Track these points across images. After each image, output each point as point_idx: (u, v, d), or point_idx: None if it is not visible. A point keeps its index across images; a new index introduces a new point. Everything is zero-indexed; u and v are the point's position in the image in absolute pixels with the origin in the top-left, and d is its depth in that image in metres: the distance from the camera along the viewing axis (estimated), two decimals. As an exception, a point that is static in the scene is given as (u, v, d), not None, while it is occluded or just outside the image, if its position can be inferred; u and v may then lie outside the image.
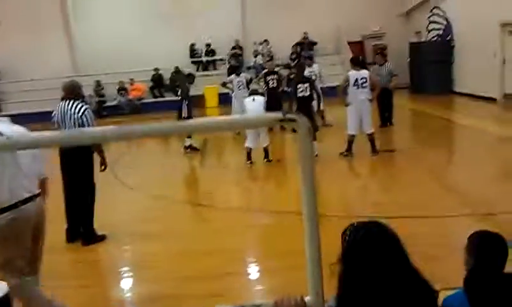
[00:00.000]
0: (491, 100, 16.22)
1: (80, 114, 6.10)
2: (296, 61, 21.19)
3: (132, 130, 1.30)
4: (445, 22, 19.87)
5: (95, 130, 1.32)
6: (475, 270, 2.41)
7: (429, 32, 21.18)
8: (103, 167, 6.41)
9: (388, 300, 1.78)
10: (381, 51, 14.86)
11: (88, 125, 6.10)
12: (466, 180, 8.28)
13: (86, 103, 6.60)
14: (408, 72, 21.34)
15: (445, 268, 4.98)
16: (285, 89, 15.62)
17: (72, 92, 6.34)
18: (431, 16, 20.91)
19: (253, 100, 10.21)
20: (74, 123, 6.09)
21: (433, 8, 20.61)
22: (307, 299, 1.61)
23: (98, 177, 6.59)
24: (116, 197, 8.59)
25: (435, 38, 20.66)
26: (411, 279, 1.83)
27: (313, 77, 12.79)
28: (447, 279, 4.59)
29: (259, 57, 22.43)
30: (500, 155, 10.31)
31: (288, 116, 1.32)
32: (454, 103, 17.70)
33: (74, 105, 6.16)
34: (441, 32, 20.21)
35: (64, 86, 6.47)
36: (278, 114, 1.33)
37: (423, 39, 21.48)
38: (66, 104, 6.19)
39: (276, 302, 1.72)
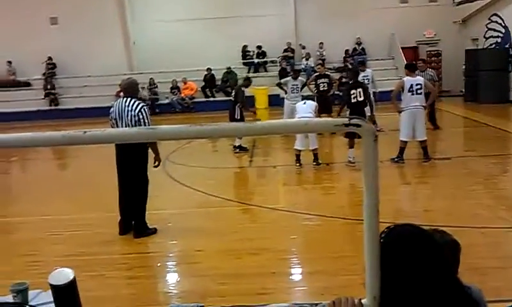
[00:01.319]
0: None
1: (137, 111, 6.30)
2: (347, 66, 21.12)
3: (201, 130, 1.37)
4: (503, 30, 19.28)
5: (154, 129, 1.38)
6: None
7: (486, 39, 20.60)
8: (156, 163, 6.60)
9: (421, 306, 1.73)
10: (423, 59, 14.83)
11: (145, 122, 6.30)
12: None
13: (143, 101, 6.80)
14: (462, 80, 20.82)
15: (497, 281, 4.90)
16: (336, 92, 15.63)
17: (130, 90, 6.55)
18: (489, 23, 20.33)
19: (304, 103, 10.26)
20: (131, 120, 6.29)
21: (492, 15, 20.03)
22: (364, 301, 1.61)
23: (151, 172, 6.79)
24: (167, 193, 8.80)
25: (493, 46, 20.08)
26: (449, 287, 1.75)
27: (366, 82, 12.69)
28: (499, 291, 4.53)
29: (310, 59, 22.40)
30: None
31: (354, 121, 1.35)
32: (510, 113, 17.14)
33: (131, 103, 6.37)
34: (499, 39, 19.62)
35: (123, 84, 6.68)
36: (343, 119, 1.37)
37: (480, 47, 20.91)
38: (124, 101, 6.41)
39: (333, 303, 1.72)
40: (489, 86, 18.50)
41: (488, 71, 18.61)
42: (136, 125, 6.22)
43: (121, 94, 6.75)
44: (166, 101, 22.40)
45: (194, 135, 1.41)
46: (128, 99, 6.42)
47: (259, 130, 1.42)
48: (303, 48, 23.07)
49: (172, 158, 11.44)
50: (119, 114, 6.39)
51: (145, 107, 6.44)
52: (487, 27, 20.47)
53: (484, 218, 6.81)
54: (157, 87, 22.63)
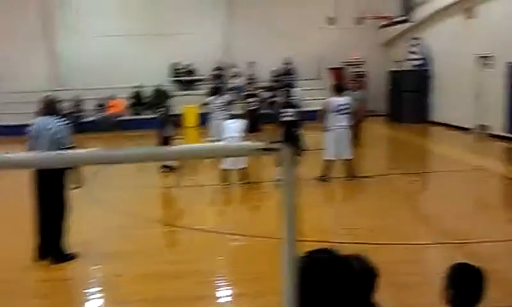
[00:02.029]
0: (465, 130, 16.51)
1: (56, 129, 6.00)
2: (276, 85, 21.41)
3: (110, 155, 1.26)
4: (423, 53, 20.24)
5: (73, 154, 1.26)
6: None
7: (407, 62, 21.54)
8: (77, 186, 6.30)
9: None
10: (355, 78, 15.24)
11: (64, 142, 6.01)
12: (441, 208, 8.35)
13: (64, 119, 6.50)
14: (386, 100, 21.63)
15: (418, 296, 5.00)
16: (265, 111, 15.77)
17: (50, 107, 6.25)
18: (410, 46, 21.29)
19: (233, 122, 10.21)
20: (50, 138, 5.99)
21: (412, 39, 21.00)
22: None
23: (72, 193, 6.47)
24: (89, 216, 8.43)
25: (414, 68, 21.02)
26: None
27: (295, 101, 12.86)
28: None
29: (241, 78, 22.52)
30: (473, 184, 10.47)
31: (272, 145, 1.29)
32: (430, 132, 17.95)
33: (51, 121, 6.06)
34: (419, 62, 20.57)
35: (43, 101, 6.37)
36: (260, 143, 1.30)
37: (402, 69, 21.83)
38: (44, 119, 6.10)
39: None
40: (411, 106, 19.32)
41: (410, 93, 19.46)
42: (55, 144, 5.94)
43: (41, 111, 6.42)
44: (92, 118, 21.72)
45: (106, 160, 1.29)
46: (48, 117, 6.11)
47: (175, 155, 1.33)
48: (234, 67, 23.17)
49: (94, 178, 11.01)
50: (38, 131, 6.07)
51: (65, 126, 6.15)
52: (408, 51, 21.42)
53: (406, 234, 6.99)
54: (82, 104, 21.91)
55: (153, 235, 7.46)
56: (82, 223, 7.85)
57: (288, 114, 9.98)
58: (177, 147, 1.29)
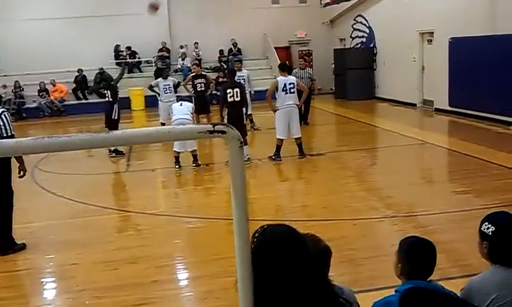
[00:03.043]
0: (411, 105, 16.96)
1: (-3, 119, 5.77)
2: (222, 66, 21.32)
3: (51, 143, 1.21)
4: (368, 30, 20.56)
5: (11, 142, 1.22)
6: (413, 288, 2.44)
7: (352, 39, 21.84)
8: (22, 173, 6.09)
9: None
10: (303, 56, 15.34)
11: (6, 129, 5.79)
12: (389, 183, 8.58)
13: (4, 105, 6.24)
14: (332, 78, 21.90)
15: (371, 270, 5.14)
16: (213, 92, 15.66)
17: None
18: (354, 24, 21.58)
19: (181, 104, 10.11)
20: (-10, 127, 5.76)
21: (357, 16, 21.28)
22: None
23: (17, 182, 6.26)
24: (37, 204, 8.21)
25: (358, 45, 21.34)
26: (319, 289, 1.77)
27: (242, 82, 12.82)
28: (374, 280, 4.76)
29: (186, 59, 22.27)
30: (419, 159, 10.82)
31: (218, 127, 1.28)
32: (376, 108, 18.34)
33: (-13, 110, 5.82)
34: (364, 39, 20.90)
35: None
36: (207, 126, 1.29)
37: (347, 47, 22.11)
38: (-18, 108, 5.85)
39: None
40: (357, 83, 19.63)
41: (355, 70, 19.75)
42: (-4, 133, 5.72)
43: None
44: (34, 105, 20.99)
45: (50, 148, 1.25)
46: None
47: (120, 140, 1.31)
48: (182, 47, 22.85)
49: (41, 165, 10.71)
50: (-24, 120, 5.82)
51: (6, 113, 5.92)
52: (353, 28, 21.72)
53: (357, 210, 7.15)
54: (23, 90, 21.13)
55: (106, 222, 7.33)
56: (31, 212, 7.67)
57: (235, 95, 9.89)
58: (123, 132, 1.26)
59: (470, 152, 9.98)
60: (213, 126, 1.27)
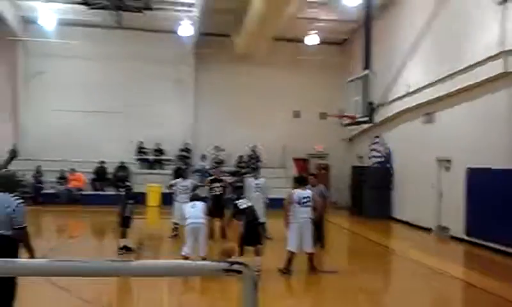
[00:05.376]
0: (426, 229, 16.74)
1: (12, 208, 5.80)
2: (240, 171, 21.55)
3: (63, 267, 1.20)
4: (385, 151, 20.82)
5: (21, 264, 1.21)
6: None
7: (370, 158, 22.09)
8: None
9: None
10: (314, 174, 14.98)
11: (17, 221, 5.81)
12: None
13: (22, 198, 6.25)
14: (348, 194, 21.93)
15: None
16: (230, 196, 15.72)
17: (7, 185, 6.06)
18: (372, 144, 21.92)
19: (193, 206, 10.12)
20: (6, 217, 5.78)
21: (375, 137, 21.66)
22: None
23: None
24: (42, 298, 8.02)
25: (376, 164, 21.53)
26: None
27: (258, 190, 12.94)
28: None
29: (206, 161, 22.62)
30: (434, 289, 10.47)
31: (235, 267, 1.26)
32: (392, 229, 18.14)
33: (9, 199, 5.86)
34: (381, 159, 21.11)
35: (2, 176, 6.18)
36: (223, 264, 1.28)
37: (365, 164, 22.32)
38: (2, 196, 5.90)
39: None
40: (373, 202, 19.62)
41: (372, 189, 19.81)
42: (9, 222, 5.74)
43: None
44: (52, 190, 21.27)
45: (55, 272, 1.23)
46: (6, 194, 5.91)
47: (131, 271, 1.29)
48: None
49: (51, 255, 10.61)
50: (-6, 205, 5.85)
51: (21, 204, 5.93)
52: (370, 148, 22.03)
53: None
54: (42, 175, 21.52)
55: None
56: (32, 305, 7.47)
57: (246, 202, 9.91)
58: (142, 262, 1.25)
59: (487, 287, 9.66)
60: (230, 265, 1.26)
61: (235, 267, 1.24)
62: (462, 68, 14.63)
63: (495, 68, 13.27)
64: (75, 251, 10.79)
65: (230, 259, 1.22)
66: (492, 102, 13.70)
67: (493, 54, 13.25)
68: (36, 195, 20.42)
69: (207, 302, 8.59)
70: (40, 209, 18.95)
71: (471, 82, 14.30)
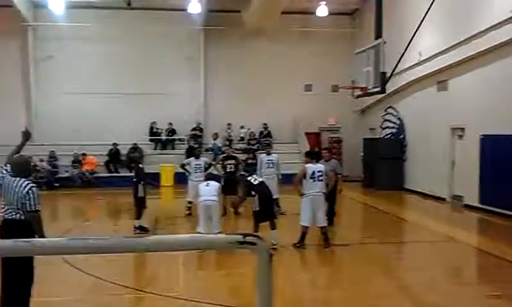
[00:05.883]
0: (440, 199, 16.69)
1: (24, 192, 5.83)
2: (252, 148, 21.57)
3: (80, 245, 1.21)
4: (398, 121, 20.68)
5: (36, 243, 1.21)
6: None
7: (382, 129, 21.96)
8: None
9: None
10: (328, 149, 14.76)
11: (30, 204, 5.84)
12: (416, 281, 8.29)
13: (37, 173, 6.30)
14: (361, 166, 21.87)
15: None
16: (242, 173, 15.75)
17: (21, 170, 6.08)
18: (385, 115, 21.77)
19: (207, 185, 10.17)
20: (17, 201, 5.81)
21: (388, 108, 21.49)
22: None
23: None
24: (57, 277, 8.15)
25: (388, 136, 21.41)
26: None
27: (271, 166, 12.97)
28: None
29: (218, 140, 22.64)
30: (448, 257, 10.46)
31: (249, 239, 1.26)
32: (405, 200, 18.11)
33: (20, 183, 5.89)
34: (394, 130, 20.98)
35: (14, 162, 6.20)
36: (237, 237, 1.28)
37: (377, 136, 22.20)
38: (12, 180, 5.93)
39: None
40: (386, 173, 19.55)
41: (384, 160, 19.73)
42: (22, 207, 5.78)
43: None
44: (66, 174, 21.46)
45: (73, 250, 1.24)
46: (20, 179, 5.94)
47: (147, 247, 1.29)
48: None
49: (67, 236, 10.73)
50: (5, 189, 5.90)
51: (34, 188, 5.95)
52: (383, 118, 21.89)
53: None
54: (57, 159, 21.71)
55: (122, 302, 7.21)
56: (50, 286, 7.59)
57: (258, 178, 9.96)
58: (159, 237, 1.25)
59: (501, 253, 9.64)
60: (244, 237, 1.26)
61: (249, 239, 1.23)
62: (476, 32, 14.39)
63: (509, 32, 13.04)
64: (91, 233, 10.89)
65: (243, 232, 1.22)
66: (507, 67, 13.49)
67: (507, 17, 13.00)
68: (51, 179, 20.62)
69: (223, 276, 8.66)
70: (55, 193, 19.16)
71: (485, 47, 14.07)
